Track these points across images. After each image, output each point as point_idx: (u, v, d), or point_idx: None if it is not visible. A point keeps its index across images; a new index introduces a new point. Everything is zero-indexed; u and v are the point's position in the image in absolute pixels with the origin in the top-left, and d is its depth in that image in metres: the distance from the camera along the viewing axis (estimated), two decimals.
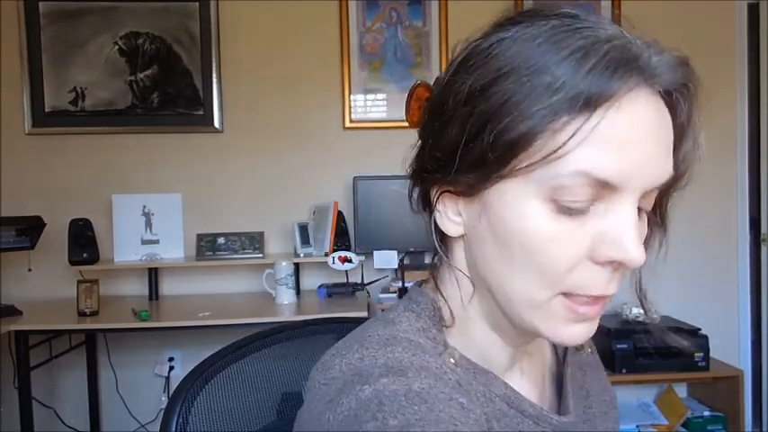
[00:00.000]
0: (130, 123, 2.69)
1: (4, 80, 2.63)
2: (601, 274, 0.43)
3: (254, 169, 2.72)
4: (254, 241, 2.61)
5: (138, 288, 2.69)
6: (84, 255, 2.45)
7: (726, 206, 2.87)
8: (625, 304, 2.60)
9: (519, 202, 0.43)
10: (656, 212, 0.51)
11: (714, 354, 2.50)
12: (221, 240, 2.60)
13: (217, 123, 2.71)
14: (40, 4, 2.62)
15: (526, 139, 0.41)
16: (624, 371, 2.43)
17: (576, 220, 0.42)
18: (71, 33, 2.65)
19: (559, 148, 0.41)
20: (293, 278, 2.39)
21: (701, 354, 2.45)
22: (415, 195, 0.52)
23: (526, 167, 0.42)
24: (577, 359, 0.62)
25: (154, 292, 2.62)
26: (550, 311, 0.45)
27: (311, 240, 2.58)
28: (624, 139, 0.41)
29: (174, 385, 2.70)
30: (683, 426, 2.54)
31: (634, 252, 0.42)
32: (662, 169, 0.43)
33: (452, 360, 0.49)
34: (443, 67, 2.73)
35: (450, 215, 0.49)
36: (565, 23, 0.43)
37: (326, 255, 2.48)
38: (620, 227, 0.42)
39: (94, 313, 2.24)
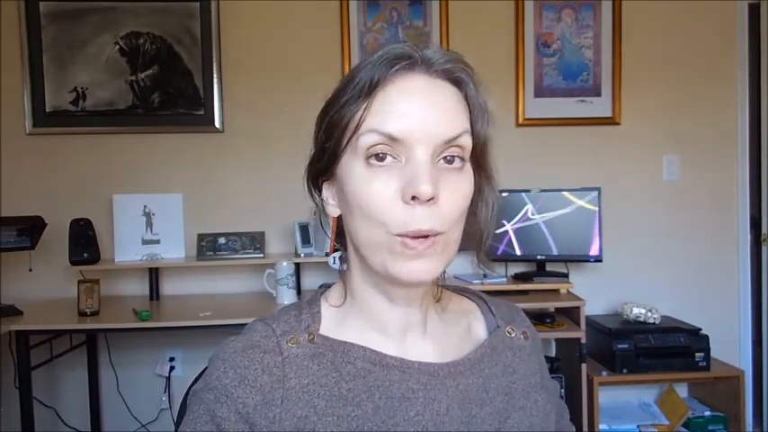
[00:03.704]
0: (131, 123, 2.69)
1: (4, 80, 2.64)
2: (411, 211, 0.57)
3: (255, 169, 2.72)
4: (255, 241, 2.61)
5: (139, 288, 2.69)
6: (85, 255, 2.45)
7: (726, 206, 2.87)
8: (625, 304, 2.60)
9: (351, 169, 0.60)
10: (482, 172, 0.66)
11: (715, 354, 2.50)
12: (222, 240, 2.60)
13: (217, 123, 2.71)
14: (41, 3, 2.63)
15: (342, 122, 0.60)
16: (625, 371, 2.43)
17: (386, 173, 0.58)
18: (72, 33, 2.65)
19: (359, 120, 0.59)
20: (294, 278, 2.39)
21: (702, 354, 2.45)
22: (316, 196, 0.69)
23: (348, 141, 0.60)
24: (509, 342, 0.72)
25: (154, 292, 2.62)
26: (392, 250, 0.58)
27: (312, 240, 2.58)
28: (402, 107, 0.58)
29: (174, 385, 2.70)
30: (683, 426, 2.54)
31: (422, 186, 0.56)
32: (443, 127, 0.58)
33: (308, 337, 0.64)
34: None
35: (330, 201, 0.66)
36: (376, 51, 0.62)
37: (327, 255, 2.48)
38: (414, 170, 0.57)
39: (95, 313, 2.24)
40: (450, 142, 0.59)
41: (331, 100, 0.63)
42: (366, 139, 0.58)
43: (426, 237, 0.57)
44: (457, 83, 0.61)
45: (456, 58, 0.61)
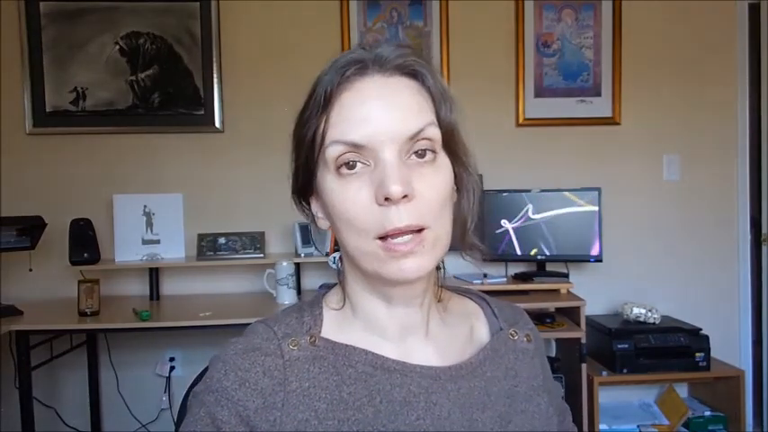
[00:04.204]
0: (131, 123, 2.69)
1: (4, 80, 2.63)
2: (386, 211, 0.56)
3: (255, 169, 2.72)
4: (255, 241, 2.61)
5: (139, 288, 2.69)
6: (85, 255, 2.45)
7: (726, 206, 2.87)
8: (626, 304, 2.60)
9: (325, 182, 0.61)
10: (456, 159, 0.64)
11: (715, 354, 2.50)
12: (222, 240, 2.60)
13: (218, 123, 2.71)
14: (41, 4, 2.62)
15: (307, 138, 0.62)
16: (625, 371, 2.43)
17: (358, 180, 0.58)
18: (72, 33, 2.65)
19: (322, 133, 0.60)
20: (294, 278, 2.39)
21: (702, 354, 2.45)
22: (306, 211, 0.70)
23: (317, 156, 0.61)
24: (511, 345, 0.72)
25: (154, 292, 2.62)
26: (377, 254, 0.58)
27: (312, 240, 2.58)
28: (359, 113, 0.58)
29: (174, 385, 2.70)
30: (683, 426, 2.54)
31: (392, 186, 0.55)
32: (405, 124, 0.58)
33: (310, 340, 0.64)
34: (444, 67, 2.73)
35: (319, 215, 0.66)
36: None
37: (327, 255, 2.47)
38: (383, 172, 0.57)
39: (95, 313, 2.24)
40: (415, 137, 0.58)
41: (298, 118, 0.64)
42: (332, 152, 0.59)
43: (410, 233, 0.57)
44: (414, 75, 0.61)
45: (409, 51, 0.61)
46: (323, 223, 0.66)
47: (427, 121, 0.60)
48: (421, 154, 0.59)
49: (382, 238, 0.58)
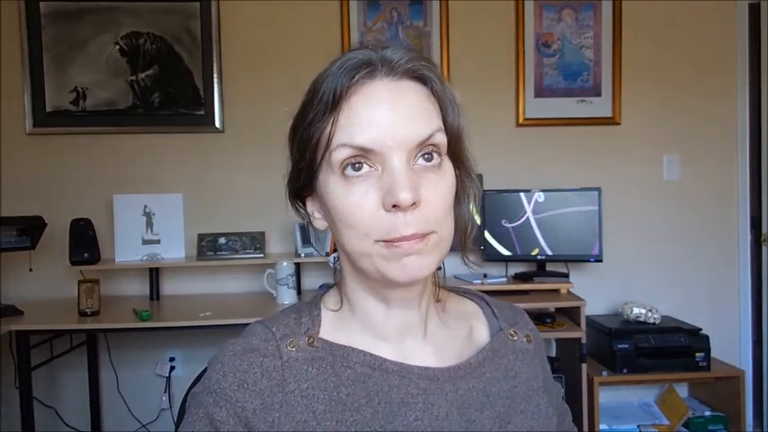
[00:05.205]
0: (131, 123, 2.69)
1: (4, 80, 2.64)
2: (393, 218, 0.56)
3: (255, 169, 2.71)
4: (255, 241, 2.61)
5: (139, 288, 2.69)
6: (85, 255, 2.45)
7: (726, 206, 2.87)
8: (626, 304, 2.60)
9: (329, 184, 0.60)
10: (460, 165, 0.64)
11: (715, 354, 2.50)
12: (222, 240, 2.60)
13: (218, 123, 2.71)
14: (41, 4, 2.63)
15: (312, 140, 0.60)
16: (625, 371, 2.43)
17: (364, 182, 0.57)
18: (72, 33, 2.65)
19: (329, 135, 0.58)
20: (294, 278, 2.39)
21: (703, 354, 2.45)
22: (301, 211, 0.69)
23: (322, 158, 0.60)
24: (511, 345, 0.71)
25: (155, 292, 2.62)
26: (380, 252, 0.58)
27: (312, 240, 2.58)
28: (368, 117, 0.57)
29: (174, 385, 2.70)
30: (684, 426, 2.54)
31: (402, 194, 0.55)
32: (414, 130, 0.57)
33: (308, 341, 0.64)
34: (444, 67, 2.73)
35: (316, 215, 0.66)
36: (339, 58, 0.61)
37: (327, 255, 2.47)
38: (391, 178, 0.56)
39: (95, 313, 2.24)
40: (423, 143, 0.58)
41: (298, 117, 0.63)
42: (338, 155, 0.58)
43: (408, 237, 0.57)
44: (422, 80, 0.60)
45: (417, 55, 0.60)
46: (320, 224, 0.66)
47: (435, 127, 0.59)
48: (427, 159, 0.59)
49: (384, 241, 0.57)
